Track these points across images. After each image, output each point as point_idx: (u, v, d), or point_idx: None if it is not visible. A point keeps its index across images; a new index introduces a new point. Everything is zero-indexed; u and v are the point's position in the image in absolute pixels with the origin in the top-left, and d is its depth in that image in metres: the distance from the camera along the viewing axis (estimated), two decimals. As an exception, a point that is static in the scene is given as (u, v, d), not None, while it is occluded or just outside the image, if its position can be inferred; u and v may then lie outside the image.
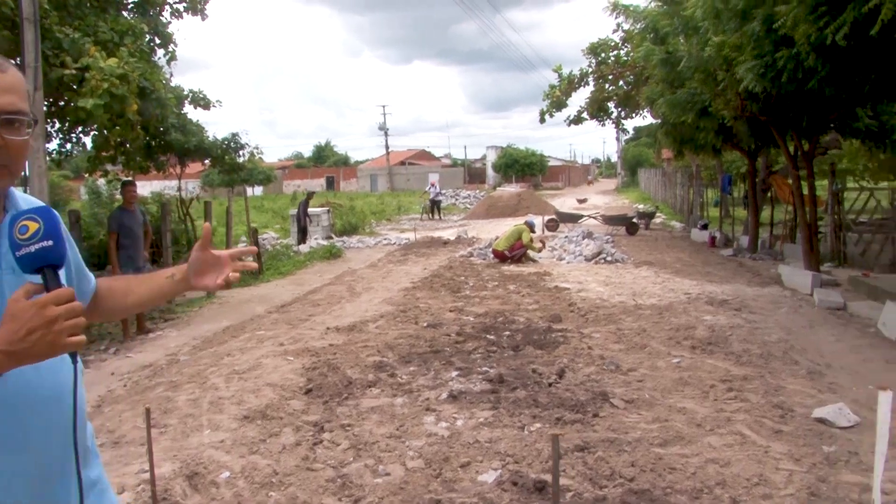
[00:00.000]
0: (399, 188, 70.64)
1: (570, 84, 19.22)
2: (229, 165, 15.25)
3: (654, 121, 19.61)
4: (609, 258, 14.28)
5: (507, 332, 8.00)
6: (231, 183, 17.63)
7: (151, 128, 11.52)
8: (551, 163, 79.68)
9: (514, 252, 14.48)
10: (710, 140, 15.33)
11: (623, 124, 22.66)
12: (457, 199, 45.79)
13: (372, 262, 15.55)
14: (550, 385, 5.96)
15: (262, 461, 4.71)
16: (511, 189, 42.15)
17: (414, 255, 16.83)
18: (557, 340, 7.50)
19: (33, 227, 1.34)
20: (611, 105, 20.79)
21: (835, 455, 4.45)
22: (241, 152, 15.11)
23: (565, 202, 40.57)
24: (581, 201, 40.50)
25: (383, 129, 73.31)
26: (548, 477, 4.22)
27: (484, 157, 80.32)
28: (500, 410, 5.36)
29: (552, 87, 19.57)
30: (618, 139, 69.80)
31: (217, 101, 14.44)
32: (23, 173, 1.55)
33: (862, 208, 14.83)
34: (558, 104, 19.51)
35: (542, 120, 19.97)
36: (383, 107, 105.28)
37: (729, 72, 10.41)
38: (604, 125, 21.97)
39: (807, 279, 10.62)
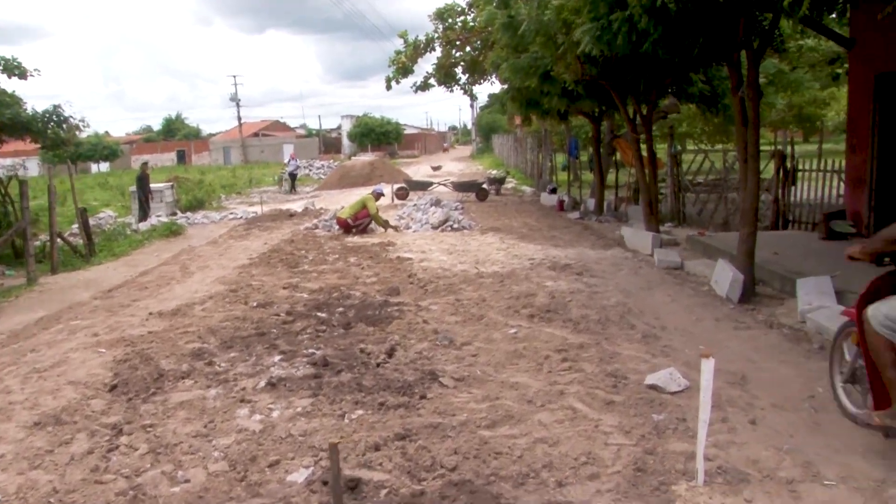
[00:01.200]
0: (253, 160, 68.10)
1: (416, 50, 18.71)
2: (52, 141, 13.66)
3: (502, 87, 19.50)
4: (456, 225, 14.04)
5: (341, 309, 7.48)
6: (67, 159, 15.97)
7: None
8: (407, 131, 79.35)
9: (359, 221, 13.96)
10: (555, 105, 15.28)
11: (472, 90, 22.45)
12: (311, 170, 44.49)
13: (213, 239, 14.58)
14: (378, 365, 5.51)
15: (43, 477, 4.00)
16: (364, 158, 41.41)
17: (258, 229, 15.95)
18: (392, 315, 7.07)
19: None
20: (458, 71, 20.50)
21: (664, 423, 4.27)
22: (64, 126, 13.53)
23: (420, 170, 40.37)
24: (436, 169, 40.44)
25: (235, 100, 70.15)
26: (363, 473, 3.77)
27: (339, 127, 78.80)
28: (320, 398, 4.85)
29: (398, 52, 18.99)
30: (472, 106, 70.39)
31: (35, 69, 12.92)
32: None
33: (698, 170, 15.34)
34: (404, 70, 18.97)
35: (389, 87, 19.42)
36: (234, 77, 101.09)
37: (568, 35, 10.25)
38: (452, 91, 21.71)
39: (647, 240, 10.75)
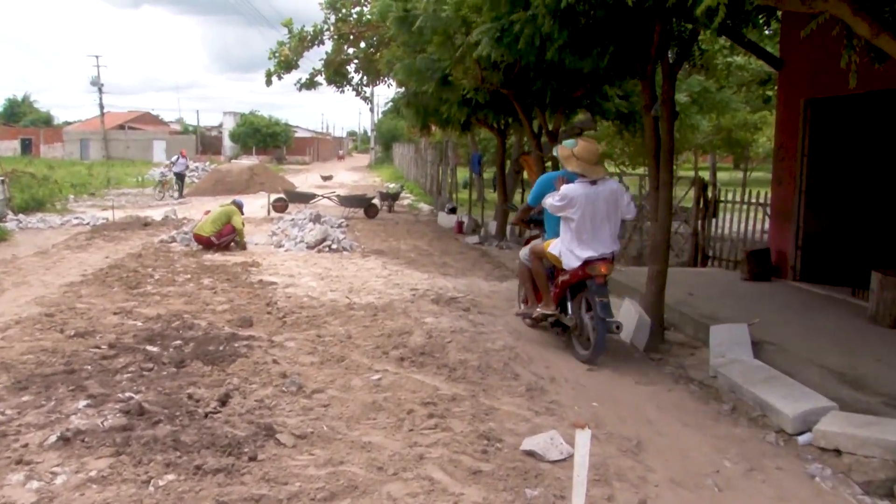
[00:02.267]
0: (116, 156, 65.70)
1: (302, 42, 18.25)
2: None
3: (398, 90, 19.30)
4: (335, 246, 13.67)
5: (178, 342, 6.96)
6: None
7: None
8: (299, 134, 78.55)
9: (223, 239, 13.38)
10: (455, 114, 15.16)
11: (365, 92, 22.13)
12: (170, 171, 43.06)
13: (43, 249, 13.63)
14: (207, 416, 5.06)
15: None
16: (244, 162, 40.47)
17: (102, 238, 15.09)
18: (237, 352, 6.61)
19: None
20: (350, 69, 20.18)
21: (538, 501, 4.01)
22: None
23: (308, 179, 39.77)
24: (326, 178, 39.91)
25: (97, 84, 67.30)
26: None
27: (221, 125, 77.07)
28: (123, 457, 4.35)
29: (280, 44, 18.47)
30: (372, 110, 70.11)
31: None
32: None
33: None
34: (287, 65, 18.48)
35: (269, 82, 18.84)
36: (97, 57, 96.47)
37: (468, 36, 10.11)
38: (342, 92, 21.32)
39: (548, 272, 10.60)
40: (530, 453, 4.59)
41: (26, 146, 69.23)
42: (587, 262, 6.76)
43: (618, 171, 24.14)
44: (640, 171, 22.97)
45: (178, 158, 30.01)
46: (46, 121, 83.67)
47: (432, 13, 10.83)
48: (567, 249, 6.89)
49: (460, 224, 18.01)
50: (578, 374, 6.49)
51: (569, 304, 7.21)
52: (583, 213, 6.75)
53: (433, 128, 19.36)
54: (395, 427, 4.99)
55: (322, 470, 4.27)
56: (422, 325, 7.86)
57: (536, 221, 8.03)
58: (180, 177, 29.16)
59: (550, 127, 12.79)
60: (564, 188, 6.88)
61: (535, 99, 12.05)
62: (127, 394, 5.48)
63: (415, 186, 33.08)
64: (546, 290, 7.37)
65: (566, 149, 6.97)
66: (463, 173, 26.22)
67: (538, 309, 7.44)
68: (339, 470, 4.26)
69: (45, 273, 10.94)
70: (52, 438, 4.62)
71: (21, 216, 19.00)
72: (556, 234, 7.09)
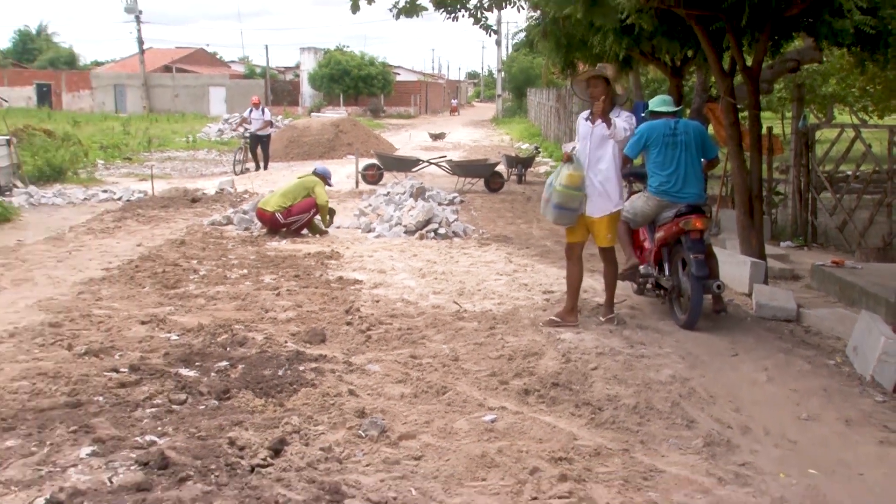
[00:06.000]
0: (162, 108, 68.35)
1: (401, -46, 18.23)
2: None
3: (531, 16, 19.03)
4: (443, 230, 13.69)
5: (223, 364, 7.05)
6: None
7: None
8: (402, 77, 79.65)
9: (293, 218, 13.54)
10: (612, 46, 14.83)
11: (486, 19, 21.79)
12: (246, 129, 44.26)
13: (59, 232, 14.20)
14: (254, 470, 5.03)
15: None
16: (327, 116, 41.17)
17: (136, 219, 15.63)
18: (302, 379, 6.63)
19: None
20: (467, -11, 20.01)
21: None
22: None
23: (412, 138, 40.24)
24: (436, 137, 40.25)
25: (133, 11, 69.69)
26: None
27: (298, 66, 78.90)
28: (135, 530, 4.35)
29: (372, -46, 18.49)
30: (498, 43, 70.10)
31: None
32: None
33: (844, 156, 14.82)
34: (379, -18, 18.52)
35: (356, 7, 18.83)
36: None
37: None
38: (455, 20, 21.06)
39: (743, 269, 10.26)
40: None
41: (44, 94, 72.61)
42: (680, 216, 8.29)
43: (855, 120, 23.03)
44: (892, 119, 21.89)
45: (251, 111, 27.21)
46: (69, 61, 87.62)
47: None
48: None
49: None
50: (787, 423, 6.14)
51: (665, 265, 8.71)
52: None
53: (581, 66, 19.05)
54: (512, 493, 4.83)
55: (406, 556, 4.14)
56: (556, 343, 7.73)
57: (638, 175, 9.45)
58: (258, 139, 26.87)
59: (749, 62, 12.28)
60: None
61: (727, 22, 11.59)
62: (148, 437, 5.53)
63: (555, 147, 32.82)
64: (628, 249, 9.08)
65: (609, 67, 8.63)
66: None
67: (639, 268, 8.89)
68: (429, 557, 4.13)
69: (56, 266, 11.34)
70: (41, 500, 4.67)
71: (33, 188, 19.79)
72: (658, 187, 8.72)
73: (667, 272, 8.68)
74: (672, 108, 9.25)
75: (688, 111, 17.81)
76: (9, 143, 20.68)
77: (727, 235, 13.26)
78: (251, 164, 26.87)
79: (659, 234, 8.68)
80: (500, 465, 5.17)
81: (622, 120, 8.14)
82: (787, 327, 8.74)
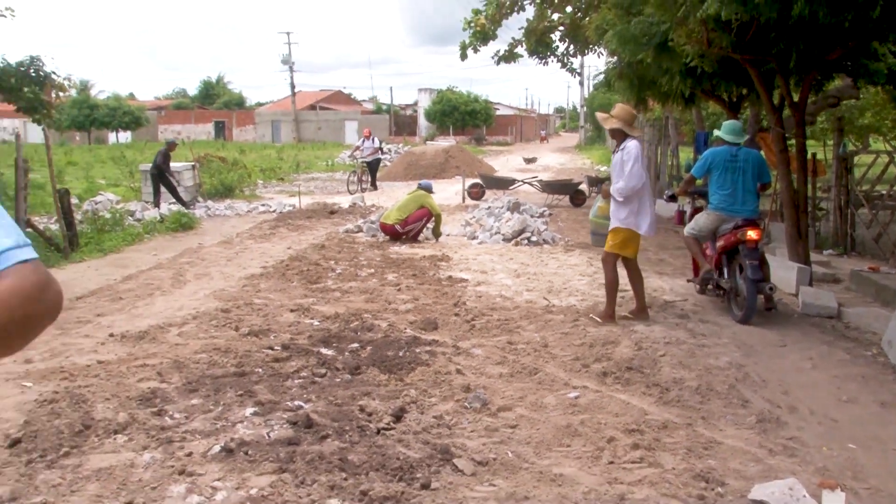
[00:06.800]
0: (308, 138, 69.32)
1: (500, 10, 18.16)
2: (29, 102, 13.77)
3: (609, 60, 18.82)
4: (534, 238, 13.53)
5: (355, 345, 7.08)
6: (42, 124, 16.04)
7: None
8: (501, 111, 79.20)
9: (409, 226, 13.60)
10: (678, 85, 14.52)
11: (571, 63, 21.65)
12: (356, 158, 44.56)
13: (228, 238, 14.47)
14: (379, 432, 5.05)
15: None
16: (439, 144, 41.24)
17: (286, 227, 15.83)
18: (418, 359, 6.61)
19: None
20: (555, 38, 19.88)
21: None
22: (44, 84, 13.64)
23: (509, 162, 40.05)
24: (529, 161, 39.96)
25: (287, 63, 71.21)
26: None
27: (416, 103, 79.23)
28: (286, 475, 4.41)
29: (476, 13, 18.48)
30: (581, 83, 69.44)
31: (7, 8, 13.01)
32: None
33: (879, 177, 14.29)
34: (483, 35, 18.45)
35: (464, 56, 18.89)
36: (287, 34, 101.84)
37: (692, -8, 9.62)
38: (546, 64, 20.95)
39: (790, 273, 9.95)
40: None
41: (219, 129, 74.65)
42: (738, 228, 8.35)
43: (889, 148, 22.19)
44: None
45: (363, 141, 26.55)
46: (239, 102, 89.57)
47: (650, -33, 10.42)
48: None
49: (681, 214, 17.28)
50: (829, 404, 5.90)
51: (725, 269, 8.64)
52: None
53: (650, 102, 18.72)
54: (592, 457, 4.75)
55: (503, 505, 4.12)
56: (630, 333, 7.56)
57: (701, 193, 9.50)
58: (371, 165, 26.10)
59: (796, 98, 11.91)
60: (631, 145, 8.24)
61: (777, 64, 11.24)
62: (296, 402, 5.60)
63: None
64: (700, 258, 9.14)
65: (602, 113, 8.65)
66: (686, 153, 25.25)
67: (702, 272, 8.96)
68: (522, 507, 4.09)
69: (226, 264, 11.58)
70: (216, 449, 4.78)
71: (210, 203, 20.35)
72: (718, 203, 8.71)
73: (725, 275, 8.61)
74: (737, 139, 9.05)
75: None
76: (194, 167, 21.31)
77: (777, 245, 12.87)
78: (365, 185, 25.69)
79: (719, 244, 8.66)
80: (582, 434, 5.10)
81: (621, 151, 8.17)
82: (829, 323, 8.42)
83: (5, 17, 12.34)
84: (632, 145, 8.16)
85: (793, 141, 11.63)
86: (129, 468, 4.58)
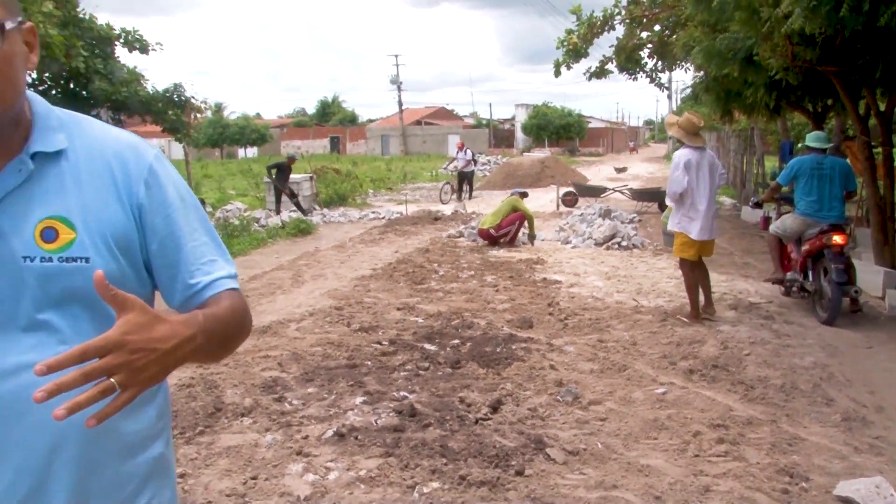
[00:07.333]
0: (414, 151, 69.84)
1: (592, 29, 17.94)
2: (172, 123, 14.34)
3: (695, 75, 18.42)
4: (624, 243, 13.28)
5: (456, 342, 7.08)
6: (182, 142, 16.69)
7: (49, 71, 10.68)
8: (593, 125, 78.29)
9: (503, 230, 13.52)
10: (763, 98, 14.10)
11: (659, 78, 21.25)
12: (475, 166, 44.58)
13: (341, 242, 14.70)
14: (477, 422, 5.05)
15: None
16: (535, 155, 41.01)
17: (394, 232, 15.96)
18: (514, 355, 6.57)
19: None
20: (643, 54, 19.52)
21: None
22: (184, 107, 14.19)
23: (600, 171, 39.53)
24: (619, 170, 39.38)
25: (396, 82, 72.08)
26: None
27: (513, 118, 79.04)
28: (391, 459, 4.45)
29: (568, 32, 18.32)
30: (669, 97, 68.02)
31: (157, 43, 13.57)
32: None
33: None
34: (575, 53, 18.27)
35: (557, 73, 18.73)
36: (396, 56, 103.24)
37: (777, 8, 9.31)
38: (635, 79, 20.68)
39: (877, 277, 9.51)
40: (846, 500, 4.00)
41: (334, 144, 75.98)
42: (823, 233, 8.04)
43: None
44: None
45: (458, 153, 25.54)
46: (352, 119, 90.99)
47: (735, -14, 10.12)
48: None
49: (766, 220, 16.75)
50: (913, 403, 5.63)
51: (809, 272, 8.38)
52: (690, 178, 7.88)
53: (736, 114, 18.23)
54: (678, 450, 4.64)
55: (593, 493, 4.05)
56: (716, 333, 7.34)
57: (786, 199, 9.46)
58: (465, 175, 25.15)
59: (882, 107, 11.41)
60: (676, 154, 8.21)
61: (862, 76, 10.78)
62: (402, 393, 5.64)
63: (716, 178, 31.61)
64: (776, 261, 9.10)
65: (672, 117, 8.71)
66: (771, 162, 24.47)
67: (787, 275, 8.77)
68: (610, 495, 4.02)
69: (339, 266, 11.75)
70: (329, 433, 4.86)
71: (325, 210, 20.72)
72: (804, 209, 8.49)
73: (811, 278, 8.35)
74: (823, 146, 8.91)
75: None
76: (311, 178, 21.77)
77: (863, 249, 12.32)
78: (456, 195, 24.77)
79: (805, 247, 8.43)
80: (669, 427, 4.98)
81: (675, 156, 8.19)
82: (914, 326, 8.04)
83: (156, 50, 12.87)
84: (678, 153, 8.11)
85: (879, 149, 11.15)
86: (253, 447, 4.70)
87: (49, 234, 1.37)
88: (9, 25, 1.31)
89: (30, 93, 1.45)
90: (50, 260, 1.36)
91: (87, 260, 1.38)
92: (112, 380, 1.19)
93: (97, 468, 1.42)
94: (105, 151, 1.46)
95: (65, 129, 1.44)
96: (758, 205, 18.02)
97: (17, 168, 1.36)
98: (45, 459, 1.35)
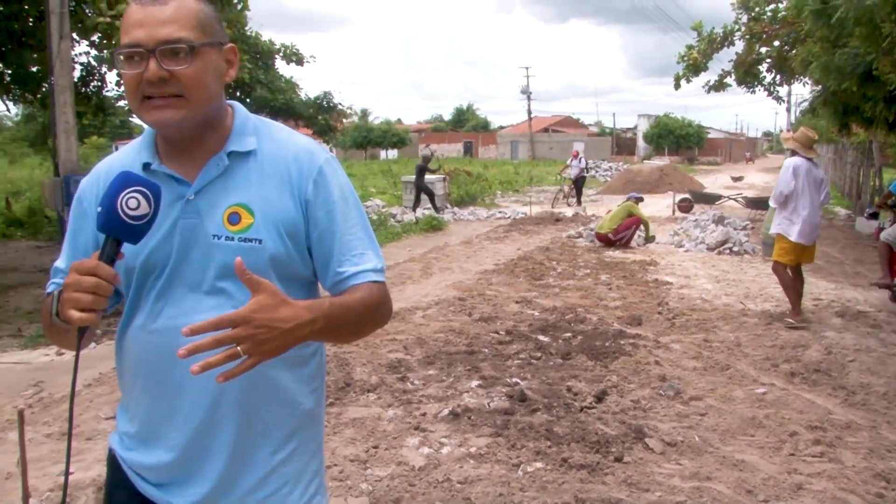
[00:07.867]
0: (541, 157, 69.39)
1: (712, 44, 17.38)
2: (321, 127, 14.86)
3: (813, 89, 17.53)
4: (736, 248, 12.78)
5: (568, 335, 7.03)
6: (330, 143, 17.25)
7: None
8: (712, 135, 75.70)
9: (620, 234, 13.30)
10: (881, 112, 13.28)
11: (777, 91, 20.34)
12: (597, 172, 43.94)
13: (469, 239, 14.82)
14: (582, 410, 5.01)
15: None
16: (654, 163, 40.03)
17: (517, 231, 15.96)
18: (622, 350, 6.47)
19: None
20: (762, 69, 18.75)
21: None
22: (333, 112, 14.69)
23: (717, 180, 38.14)
24: (736, 179, 37.86)
25: (526, 92, 71.91)
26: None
27: (635, 127, 77.37)
28: (500, 439, 4.48)
29: (689, 48, 17.79)
30: (788, 110, 64.99)
31: (311, 56, 14.09)
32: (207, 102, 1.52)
33: None
34: (695, 67, 17.73)
35: (677, 86, 18.27)
36: (526, 69, 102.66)
37: (897, 23, 8.76)
38: (754, 92, 19.88)
39: None
40: (940, 506, 3.77)
41: (468, 148, 76.47)
42: None
43: None
44: None
45: (571, 160, 24.60)
46: (484, 126, 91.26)
47: (855, 1, 9.57)
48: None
49: (880, 230, 15.79)
50: None
51: None
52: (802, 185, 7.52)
53: (854, 127, 17.25)
54: (774, 448, 4.46)
55: (687, 483, 3.96)
56: (821, 338, 6.99)
57: None
58: (576, 181, 24.15)
59: None
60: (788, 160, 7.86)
61: None
62: (514, 379, 5.66)
63: (832, 189, 29.92)
64: (885, 268, 8.60)
65: (788, 133, 8.53)
66: (889, 174, 23.01)
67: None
68: (704, 486, 3.92)
69: (466, 260, 11.86)
70: (445, 412, 4.93)
71: (456, 209, 20.93)
72: None
73: None
74: None
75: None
76: (445, 179, 22.02)
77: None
78: (571, 200, 23.91)
79: None
80: (766, 426, 4.79)
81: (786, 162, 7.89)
82: None
83: (310, 62, 13.40)
84: (789, 160, 7.79)
85: None
86: (376, 420, 4.83)
87: (234, 218, 1.55)
88: (197, 45, 1.47)
89: (236, 104, 1.66)
90: (232, 239, 1.54)
91: (260, 241, 1.54)
92: (238, 348, 1.31)
93: (257, 410, 1.60)
94: (286, 153, 1.62)
95: (257, 133, 1.62)
96: (873, 215, 17.09)
97: (216, 163, 1.56)
98: (213, 398, 1.55)
